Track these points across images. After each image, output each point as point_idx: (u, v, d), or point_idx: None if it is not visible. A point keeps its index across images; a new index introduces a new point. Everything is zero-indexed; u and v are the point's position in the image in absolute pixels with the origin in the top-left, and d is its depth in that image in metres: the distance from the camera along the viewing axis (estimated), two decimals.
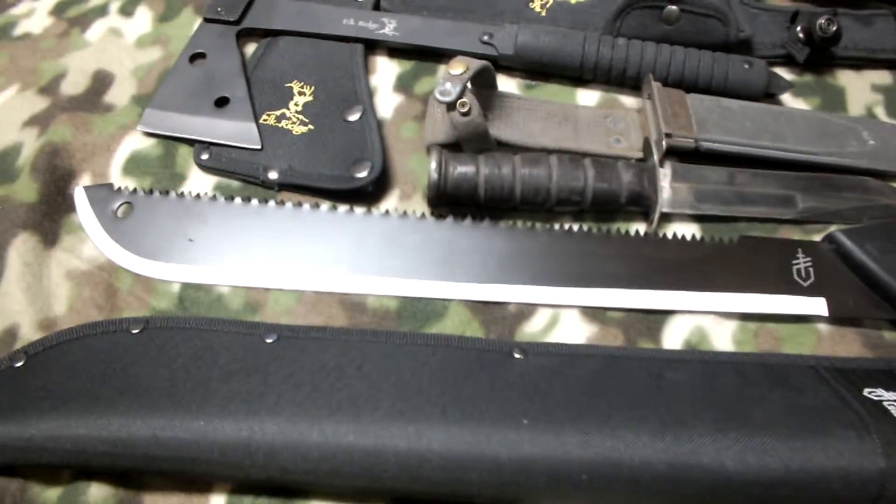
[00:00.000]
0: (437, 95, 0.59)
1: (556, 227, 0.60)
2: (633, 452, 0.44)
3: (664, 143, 0.61)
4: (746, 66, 0.67)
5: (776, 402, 0.48)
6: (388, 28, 0.72)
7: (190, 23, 0.77)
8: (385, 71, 0.73)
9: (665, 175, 0.62)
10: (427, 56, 0.73)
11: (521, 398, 0.48)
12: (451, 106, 0.60)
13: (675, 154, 0.65)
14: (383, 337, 0.53)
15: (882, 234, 0.59)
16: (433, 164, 0.59)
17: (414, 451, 0.44)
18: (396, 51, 0.74)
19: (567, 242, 0.59)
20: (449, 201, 0.60)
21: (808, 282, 0.58)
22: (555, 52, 0.69)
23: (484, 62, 0.62)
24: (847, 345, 0.57)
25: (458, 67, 0.60)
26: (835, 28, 0.69)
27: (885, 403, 0.48)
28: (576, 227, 0.60)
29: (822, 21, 0.69)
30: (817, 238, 0.61)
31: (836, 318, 0.57)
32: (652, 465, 0.44)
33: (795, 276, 0.58)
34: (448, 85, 0.60)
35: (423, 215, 0.61)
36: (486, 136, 0.62)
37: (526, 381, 0.50)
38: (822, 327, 0.57)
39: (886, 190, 0.65)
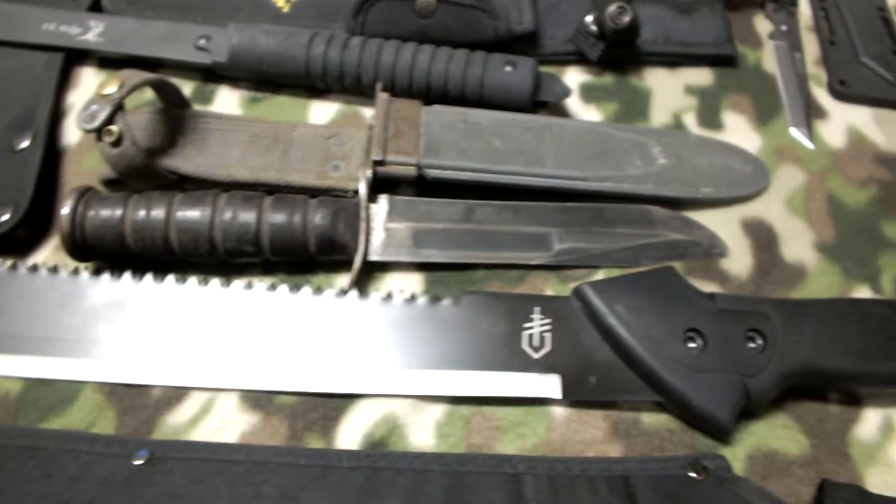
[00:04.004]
0: (80, 123, 0.46)
1: (235, 283, 0.47)
2: None
3: (369, 171, 0.48)
4: (509, 68, 0.54)
5: None
6: (92, 33, 0.59)
7: None
8: (89, 86, 0.59)
9: (378, 213, 0.49)
10: (142, 67, 0.59)
11: None
12: (98, 135, 0.47)
13: (409, 185, 0.52)
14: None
15: (644, 286, 0.45)
16: (64, 210, 0.46)
17: None
18: (108, 61, 0.60)
19: (233, 305, 0.46)
20: (96, 254, 0.47)
21: (542, 352, 0.44)
22: (276, 56, 0.55)
23: (149, 76, 0.49)
24: (588, 433, 0.43)
25: (110, 85, 0.48)
26: (628, 18, 0.55)
27: None
28: (257, 284, 0.47)
29: (612, 9, 0.55)
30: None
31: (575, 401, 0.44)
32: None
33: (525, 346, 0.44)
34: (94, 108, 0.47)
35: (75, 270, 0.48)
36: (150, 170, 0.49)
37: (138, 500, 0.38)
38: (558, 411, 0.44)
39: (675, 222, 0.51)
